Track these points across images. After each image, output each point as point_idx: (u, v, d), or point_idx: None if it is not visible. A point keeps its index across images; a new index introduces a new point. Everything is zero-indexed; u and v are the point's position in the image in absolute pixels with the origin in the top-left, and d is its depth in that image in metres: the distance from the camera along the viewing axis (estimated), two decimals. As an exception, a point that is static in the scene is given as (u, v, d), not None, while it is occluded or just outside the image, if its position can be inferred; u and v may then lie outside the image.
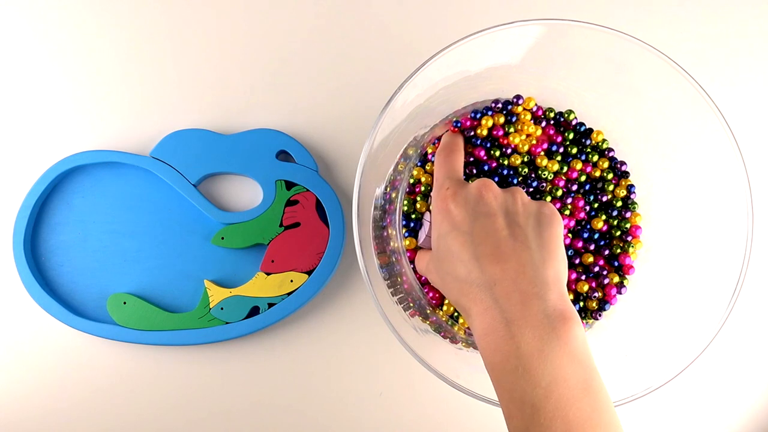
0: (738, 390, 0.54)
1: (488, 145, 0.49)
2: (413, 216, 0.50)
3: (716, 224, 0.46)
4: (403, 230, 0.51)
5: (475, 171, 0.50)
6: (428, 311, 0.49)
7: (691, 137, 0.47)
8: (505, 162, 0.49)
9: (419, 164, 0.51)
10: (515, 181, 0.48)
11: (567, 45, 0.46)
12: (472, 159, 0.49)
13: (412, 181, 0.50)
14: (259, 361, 0.53)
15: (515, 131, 0.49)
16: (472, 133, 0.49)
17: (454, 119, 0.49)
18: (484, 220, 0.35)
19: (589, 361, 0.31)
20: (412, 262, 0.49)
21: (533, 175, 0.49)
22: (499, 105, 0.50)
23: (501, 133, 0.49)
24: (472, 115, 0.50)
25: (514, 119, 0.50)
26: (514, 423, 0.30)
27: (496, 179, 0.49)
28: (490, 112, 0.49)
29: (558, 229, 0.36)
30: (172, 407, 0.53)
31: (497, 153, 0.49)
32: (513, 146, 0.49)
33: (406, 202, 0.51)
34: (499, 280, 0.32)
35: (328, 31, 0.56)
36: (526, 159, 0.49)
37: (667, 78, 0.44)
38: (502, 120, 0.49)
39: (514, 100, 0.50)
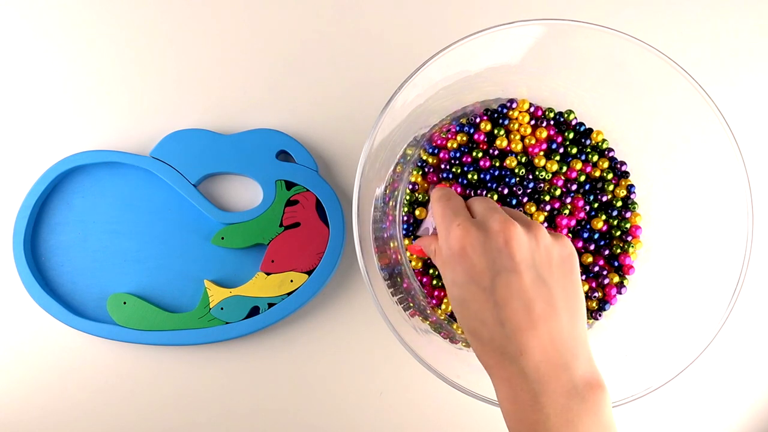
0: (738, 390, 0.54)
1: (469, 152, 0.49)
2: (413, 217, 0.50)
3: (716, 224, 0.46)
4: (403, 230, 0.51)
5: (475, 177, 0.50)
6: (428, 311, 0.49)
7: (691, 137, 0.47)
8: (497, 163, 0.49)
9: (419, 164, 0.51)
10: (512, 182, 0.49)
11: (567, 45, 0.46)
12: (469, 162, 0.49)
13: (412, 179, 0.50)
14: (259, 361, 0.53)
15: (505, 134, 0.49)
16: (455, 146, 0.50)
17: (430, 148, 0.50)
18: (507, 277, 0.30)
19: (615, 428, 0.30)
20: (419, 261, 0.50)
21: (530, 176, 0.49)
22: (485, 118, 0.50)
23: (482, 138, 0.49)
24: (457, 128, 0.50)
25: (506, 122, 0.50)
26: None
27: (493, 185, 0.49)
28: (466, 128, 0.50)
29: (577, 271, 0.33)
30: (172, 407, 0.53)
31: (479, 155, 0.49)
32: (504, 149, 0.49)
33: (405, 203, 0.51)
34: (526, 350, 0.30)
35: (328, 31, 0.56)
36: (523, 160, 0.49)
37: (667, 78, 0.44)
38: (489, 127, 0.49)
39: (508, 104, 0.50)
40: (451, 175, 0.50)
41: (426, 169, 0.51)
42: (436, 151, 0.51)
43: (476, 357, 0.33)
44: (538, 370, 0.29)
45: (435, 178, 0.50)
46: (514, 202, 0.49)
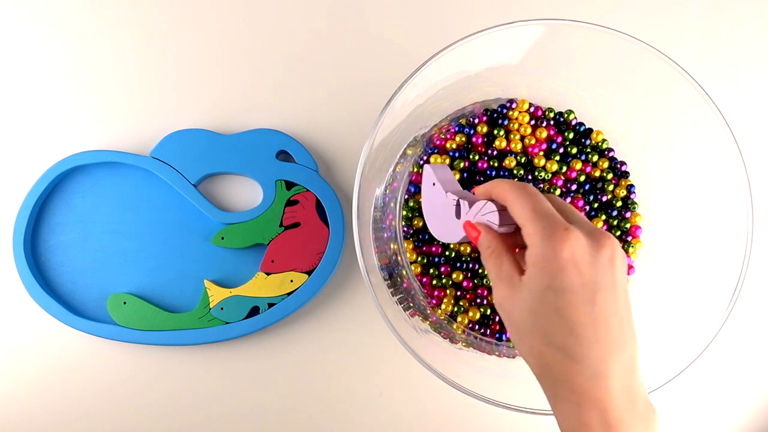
0: (738, 390, 0.54)
1: (467, 155, 0.49)
2: (413, 219, 0.50)
3: (716, 224, 0.46)
4: (403, 231, 0.51)
5: (479, 177, 0.50)
6: (428, 311, 0.49)
7: (691, 137, 0.47)
8: (495, 164, 0.49)
9: (420, 162, 0.51)
10: None
11: (567, 45, 0.46)
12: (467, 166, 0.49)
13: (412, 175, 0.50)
14: (259, 361, 0.53)
15: (505, 134, 0.50)
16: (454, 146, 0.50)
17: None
18: (609, 294, 0.29)
19: None
20: (419, 264, 0.49)
21: (529, 177, 0.49)
22: (484, 119, 0.50)
23: (480, 140, 0.49)
24: (456, 128, 0.50)
25: (506, 122, 0.50)
26: None
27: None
28: (466, 129, 0.50)
29: (627, 293, 0.32)
30: (172, 407, 0.53)
31: (476, 158, 0.49)
32: (504, 149, 0.49)
33: (405, 203, 0.51)
34: (611, 374, 0.28)
35: (328, 31, 0.56)
36: (522, 160, 0.49)
37: (667, 78, 0.44)
38: (485, 129, 0.49)
39: (508, 104, 0.50)
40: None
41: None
42: (436, 152, 0.51)
43: (536, 372, 0.31)
44: (623, 389, 0.29)
45: None
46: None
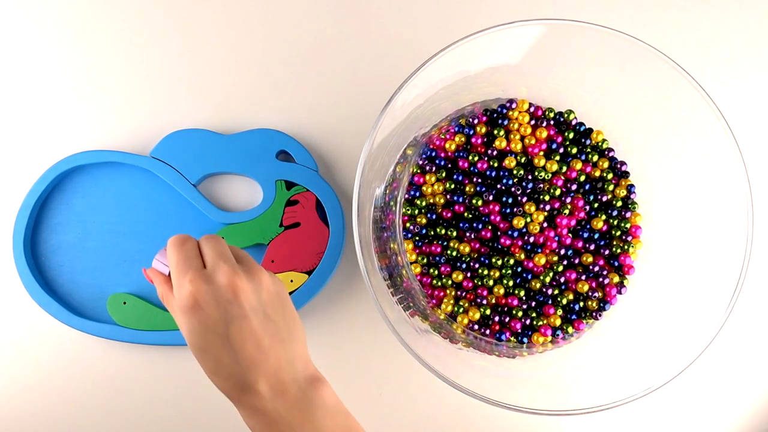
0: (738, 390, 0.54)
1: (467, 155, 0.49)
2: (413, 218, 0.50)
3: (716, 224, 0.46)
4: (403, 231, 0.51)
5: (476, 179, 0.50)
6: (428, 311, 0.50)
7: (691, 137, 0.47)
8: (495, 164, 0.49)
9: (420, 163, 0.51)
10: (510, 183, 0.49)
11: (567, 45, 0.46)
12: (469, 167, 0.49)
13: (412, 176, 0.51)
14: (259, 361, 0.53)
15: (505, 134, 0.50)
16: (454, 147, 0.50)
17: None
18: (239, 323, 0.36)
19: (343, 408, 0.37)
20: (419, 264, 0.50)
21: (529, 177, 0.49)
22: (484, 119, 0.50)
23: (480, 141, 0.49)
24: (456, 129, 0.50)
25: (506, 122, 0.50)
26: None
27: (492, 191, 0.49)
28: (465, 129, 0.50)
29: (290, 304, 0.40)
30: (171, 407, 0.53)
31: (475, 159, 0.49)
32: (504, 149, 0.50)
33: (405, 203, 0.51)
34: (261, 379, 0.35)
35: (328, 31, 0.56)
36: (522, 160, 0.49)
37: (667, 78, 0.44)
38: (485, 130, 0.49)
39: (508, 104, 0.50)
40: (457, 176, 0.50)
41: (427, 168, 0.51)
42: (433, 154, 0.51)
43: (223, 393, 0.37)
44: (273, 390, 0.35)
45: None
46: (511, 201, 0.49)
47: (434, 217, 0.50)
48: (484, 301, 0.49)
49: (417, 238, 0.50)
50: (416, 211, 0.50)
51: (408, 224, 0.50)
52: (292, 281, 0.52)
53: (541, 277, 0.49)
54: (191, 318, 0.36)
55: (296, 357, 0.37)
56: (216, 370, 0.36)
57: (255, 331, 0.36)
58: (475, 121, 0.50)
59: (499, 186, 0.49)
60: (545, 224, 0.49)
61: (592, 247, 0.50)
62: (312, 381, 0.37)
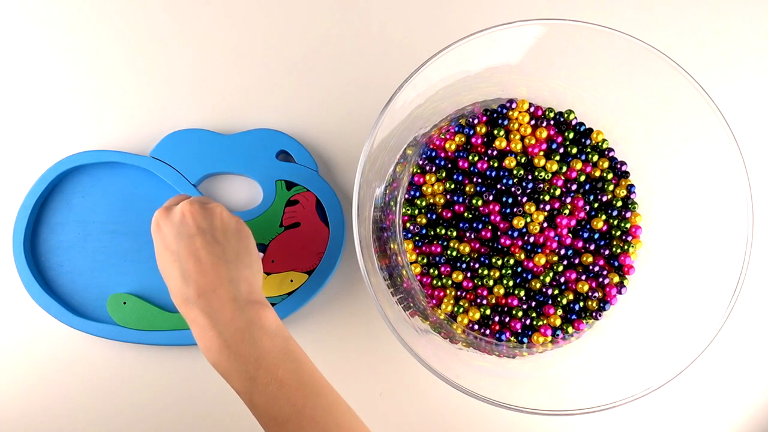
0: (738, 390, 0.54)
1: (467, 155, 0.49)
2: (414, 219, 0.50)
3: (716, 224, 0.46)
4: (403, 232, 0.51)
5: (476, 179, 0.50)
6: (428, 311, 0.50)
7: (691, 137, 0.47)
8: (495, 164, 0.49)
9: (420, 163, 0.51)
10: (510, 183, 0.49)
11: (567, 45, 0.46)
12: (467, 167, 0.49)
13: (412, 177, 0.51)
14: (259, 361, 0.53)
15: (505, 134, 0.50)
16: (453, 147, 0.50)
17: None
18: (187, 240, 0.40)
19: (284, 333, 0.39)
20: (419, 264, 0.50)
21: (529, 177, 0.49)
22: (484, 119, 0.50)
23: (480, 141, 0.49)
24: (456, 129, 0.50)
25: (506, 122, 0.50)
26: (243, 397, 0.38)
27: (492, 191, 0.49)
28: (465, 129, 0.50)
29: (248, 239, 0.43)
30: (172, 407, 0.53)
31: (475, 159, 0.49)
32: (504, 149, 0.50)
33: (405, 203, 0.51)
34: (202, 292, 0.38)
35: (328, 31, 0.56)
36: (522, 160, 0.49)
37: (668, 78, 0.44)
38: (485, 130, 0.49)
39: (508, 104, 0.50)
40: (457, 176, 0.50)
41: (427, 168, 0.51)
42: (433, 154, 0.51)
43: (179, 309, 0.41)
44: (212, 306, 0.38)
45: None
46: (511, 201, 0.49)
47: (434, 217, 0.50)
48: (484, 301, 0.49)
49: (417, 238, 0.50)
50: (416, 211, 0.50)
51: (408, 224, 0.50)
52: (292, 281, 0.52)
53: (541, 277, 0.49)
54: (155, 239, 0.42)
55: (240, 279, 0.40)
56: (170, 285, 0.40)
57: (198, 248, 0.40)
58: (475, 121, 0.50)
59: (499, 186, 0.49)
60: (545, 224, 0.49)
61: (592, 247, 0.50)
62: (252, 303, 0.39)
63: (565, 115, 0.51)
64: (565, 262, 0.49)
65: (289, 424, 0.37)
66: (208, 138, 0.53)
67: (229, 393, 0.53)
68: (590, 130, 0.51)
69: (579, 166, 0.50)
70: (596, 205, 0.50)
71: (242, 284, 0.40)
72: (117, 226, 0.53)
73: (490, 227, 0.49)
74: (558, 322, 0.49)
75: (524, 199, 0.49)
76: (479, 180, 0.49)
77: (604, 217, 0.50)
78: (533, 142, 0.50)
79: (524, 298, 0.49)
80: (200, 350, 0.39)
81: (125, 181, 0.53)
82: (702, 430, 0.54)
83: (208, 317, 0.38)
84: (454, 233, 0.49)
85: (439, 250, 0.49)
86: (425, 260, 0.50)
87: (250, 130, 0.53)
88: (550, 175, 0.49)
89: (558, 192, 0.49)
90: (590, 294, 0.49)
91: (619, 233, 0.50)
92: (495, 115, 0.50)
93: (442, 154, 0.51)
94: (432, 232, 0.50)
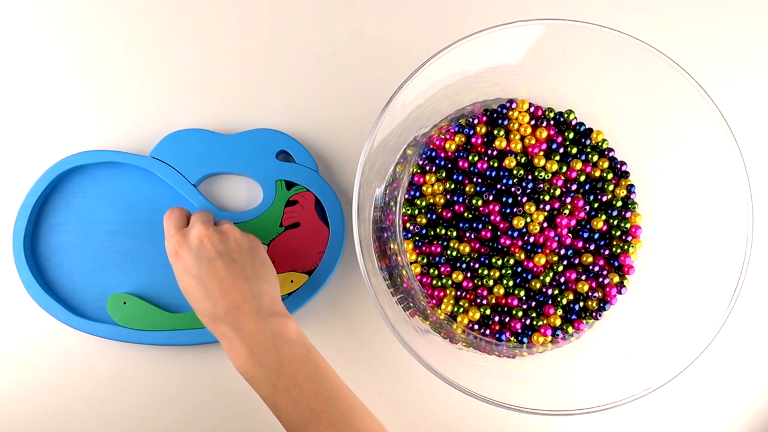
0: (738, 390, 0.54)
1: (467, 155, 0.49)
2: (414, 219, 0.50)
3: (716, 224, 0.46)
4: (403, 232, 0.51)
5: (476, 179, 0.50)
6: (428, 311, 0.50)
7: (691, 137, 0.47)
8: (495, 164, 0.49)
9: (420, 163, 0.51)
10: (510, 183, 0.49)
11: (567, 45, 0.46)
12: (466, 167, 0.49)
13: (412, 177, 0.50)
14: (259, 361, 0.53)
15: (505, 134, 0.50)
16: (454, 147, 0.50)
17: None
18: (208, 265, 0.43)
19: (304, 341, 0.42)
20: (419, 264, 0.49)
21: (529, 177, 0.49)
22: (484, 119, 0.50)
23: (480, 141, 0.49)
24: (456, 129, 0.50)
25: (506, 122, 0.50)
26: (267, 403, 0.40)
27: (492, 191, 0.49)
28: (465, 129, 0.50)
29: (262, 254, 0.46)
30: (172, 407, 0.53)
31: (475, 159, 0.49)
32: (504, 149, 0.50)
33: (405, 203, 0.51)
34: (228, 310, 0.41)
35: (328, 31, 0.56)
36: (522, 160, 0.49)
37: (667, 78, 0.44)
38: (485, 130, 0.50)
39: (508, 104, 0.50)
40: (457, 176, 0.50)
41: (427, 168, 0.51)
42: (433, 154, 0.51)
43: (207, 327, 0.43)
44: (238, 321, 0.41)
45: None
46: (511, 201, 0.49)
47: (434, 217, 0.50)
48: (484, 301, 0.49)
49: (417, 238, 0.50)
50: (416, 211, 0.50)
51: (408, 224, 0.50)
52: (292, 281, 0.52)
53: (541, 277, 0.49)
54: (175, 265, 0.44)
55: (262, 294, 0.43)
56: (196, 308, 0.43)
57: (219, 270, 0.42)
58: (475, 121, 0.50)
59: (499, 186, 0.49)
60: (545, 224, 0.49)
61: (592, 247, 0.50)
62: (275, 315, 0.42)
63: (565, 115, 0.51)
64: (565, 262, 0.49)
65: (308, 428, 0.39)
66: (208, 138, 0.53)
67: (228, 393, 0.53)
68: (590, 130, 0.51)
69: (579, 166, 0.50)
70: (596, 205, 0.50)
71: (263, 298, 0.43)
72: (117, 226, 0.53)
73: (490, 227, 0.49)
74: (558, 322, 0.49)
75: (524, 199, 0.49)
76: (479, 180, 0.49)
77: (604, 217, 0.50)
78: (533, 142, 0.50)
79: (524, 298, 0.49)
80: (233, 363, 0.42)
81: (125, 181, 0.53)
82: (702, 430, 0.54)
83: (235, 331, 0.41)
84: (454, 233, 0.49)
85: (439, 250, 0.49)
86: (425, 260, 0.50)
87: (250, 130, 0.53)
88: (550, 175, 0.49)
89: (558, 192, 0.49)
90: (590, 294, 0.49)
91: (619, 233, 0.50)
92: (495, 115, 0.50)
93: (442, 154, 0.51)
94: (432, 232, 0.50)
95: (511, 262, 0.49)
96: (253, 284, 0.43)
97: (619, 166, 0.51)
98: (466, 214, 0.49)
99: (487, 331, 0.49)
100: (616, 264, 0.50)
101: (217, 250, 0.44)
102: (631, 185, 0.51)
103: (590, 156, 0.50)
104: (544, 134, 0.50)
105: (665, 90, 0.45)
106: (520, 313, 0.49)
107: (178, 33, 0.56)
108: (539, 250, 0.49)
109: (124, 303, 0.51)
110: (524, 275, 0.49)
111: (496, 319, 0.48)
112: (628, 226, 0.50)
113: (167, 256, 0.46)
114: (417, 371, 0.43)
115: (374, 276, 0.44)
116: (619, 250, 0.50)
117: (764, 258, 0.54)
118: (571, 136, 0.51)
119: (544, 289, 0.49)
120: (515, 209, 0.49)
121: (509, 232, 0.49)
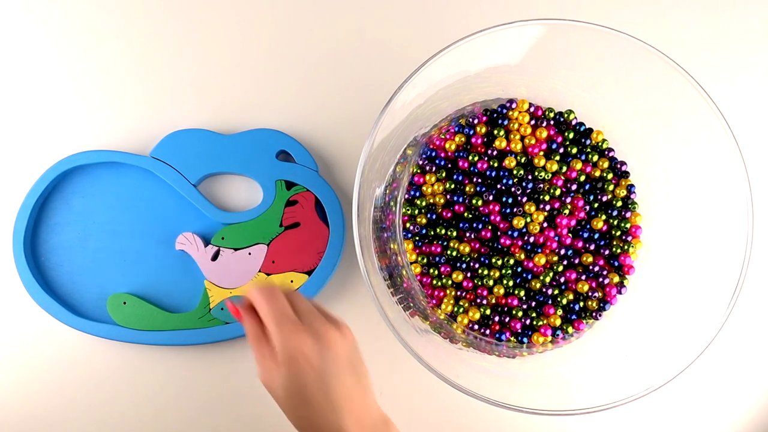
0: (738, 390, 0.54)
1: (467, 155, 0.49)
2: (414, 219, 0.50)
3: (716, 224, 0.46)
4: (403, 232, 0.51)
5: (476, 179, 0.50)
6: (428, 311, 0.50)
7: (691, 137, 0.47)
8: (495, 164, 0.49)
9: (420, 163, 0.51)
10: (510, 183, 0.49)
11: (567, 45, 0.46)
12: (466, 167, 0.49)
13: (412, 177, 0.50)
14: (259, 361, 0.53)
15: (505, 134, 0.50)
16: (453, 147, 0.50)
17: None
18: (335, 370, 0.39)
19: None
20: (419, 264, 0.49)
21: (529, 177, 0.49)
22: (484, 119, 0.50)
23: (480, 141, 0.49)
24: (456, 129, 0.50)
25: (506, 122, 0.50)
26: None
27: (492, 191, 0.49)
28: (465, 129, 0.50)
29: (358, 347, 0.43)
30: (172, 407, 0.53)
31: (475, 159, 0.49)
32: (504, 149, 0.49)
33: (405, 203, 0.51)
34: (349, 422, 0.39)
35: (328, 31, 0.56)
36: (522, 160, 0.49)
37: (667, 78, 0.44)
38: (485, 130, 0.50)
39: (508, 104, 0.50)
40: (457, 176, 0.50)
41: (427, 168, 0.51)
42: (433, 154, 0.51)
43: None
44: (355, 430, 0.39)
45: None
46: (511, 201, 0.49)
47: (434, 217, 0.50)
48: (484, 301, 0.49)
49: (417, 238, 0.50)
50: (416, 211, 0.50)
51: (408, 224, 0.50)
52: (292, 281, 0.52)
53: (541, 277, 0.49)
54: (292, 367, 0.39)
55: (372, 401, 0.41)
56: (307, 415, 0.39)
57: (344, 379, 0.40)
58: (475, 121, 0.50)
59: (499, 186, 0.49)
60: (545, 224, 0.49)
61: (592, 247, 0.50)
62: (385, 422, 0.41)
63: (565, 115, 0.51)
64: (565, 262, 0.49)
65: None
66: (208, 138, 0.53)
67: (229, 393, 0.53)
68: (590, 130, 0.51)
69: (579, 166, 0.50)
70: (596, 205, 0.50)
71: (374, 406, 0.41)
72: (117, 226, 0.53)
73: (490, 227, 0.49)
74: (558, 322, 0.49)
75: (524, 199, 0.49)
76: (479, 180, 0.49)
77: (604, 217, 0.50)
78: (533, 142, 0.50)
79: (524, 298, 0.49)
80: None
81: (125, 181, 0.53)
82: (702, 430, 0.54)
83: None
84: (454, 233, 0.49)
85: (439, 250, 0.49)
86: (425, 260, 0.50)
87: (250, 130, 0.53)
88: (550, 175, 0.49)
89: (558, 192, 0.49)
90: (590, 294, 0.49)
91: (619, 233, 0.50)
92: (495, 115, 0.50)
93: (442, 154, 0.51)
94: (432, 232, 0.50)
95: (511, 262, 0.49)
96: (368, 393, 0.42)
97: (619, 166, 0.51)
98: (466, 214, 0.49)
99: (487, 331, 0.49)
100: (616, 264, 0.50)
101: (341, 357, 0.41)
102: (631, 185, 0.51)
103: (590, 156, 0.50)
104: (544, 134, 0.50)
105: (665, 90, 0.45)
106: (520, 313, 0.49)
107: (178, 33, 0.56)
108: (539, 250, 0.49)
109: (124, 303, 0.51)
110: (524, 275, 0.49)
111: (496, 319, 0.48)
112: (628, 226, 0.50)
113: (278, 352, 0.40)
114: (417, 371, 0.43)
115: (374, 276, 0.44)
116: (619, 250, 0.50)
117: (764, 258, 0.54)
118: (571, 136, 0.51)
119: (544, 289, 0.49)
120: (515, 209, 0.49)
121: (509, 232, 0.49)
